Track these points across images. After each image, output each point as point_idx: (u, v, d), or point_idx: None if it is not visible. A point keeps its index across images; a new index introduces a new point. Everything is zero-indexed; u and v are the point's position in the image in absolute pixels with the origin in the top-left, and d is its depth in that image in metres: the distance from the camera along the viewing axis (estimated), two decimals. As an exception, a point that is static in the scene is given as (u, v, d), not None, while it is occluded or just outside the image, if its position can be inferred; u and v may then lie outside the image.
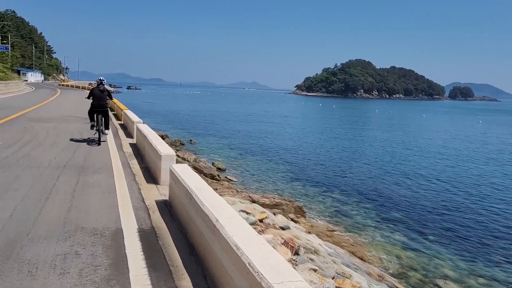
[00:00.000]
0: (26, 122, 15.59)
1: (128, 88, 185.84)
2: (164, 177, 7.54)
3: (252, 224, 7.71)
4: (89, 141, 12.38)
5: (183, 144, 27.43)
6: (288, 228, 8.93)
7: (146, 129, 10.69)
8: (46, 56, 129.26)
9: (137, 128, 12.08)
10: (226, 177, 17.96)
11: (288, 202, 12.25)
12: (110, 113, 32.54)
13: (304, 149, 28.85)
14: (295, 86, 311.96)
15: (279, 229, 8.35)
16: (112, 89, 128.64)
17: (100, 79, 12.85)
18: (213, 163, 20.09)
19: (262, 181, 18.17)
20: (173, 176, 6.21)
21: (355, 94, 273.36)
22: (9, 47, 50.58)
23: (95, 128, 12.44)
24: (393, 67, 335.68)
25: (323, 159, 24.83)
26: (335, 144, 32.26)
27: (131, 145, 12.46)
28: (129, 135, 14.44)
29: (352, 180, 19.47)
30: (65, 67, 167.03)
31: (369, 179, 19.98)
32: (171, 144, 26.83)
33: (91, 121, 12.55)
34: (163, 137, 28.13)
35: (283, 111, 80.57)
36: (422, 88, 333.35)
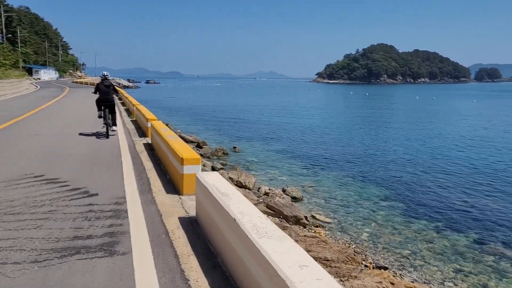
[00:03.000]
0: None
1: (147, 82, 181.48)
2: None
3: None
4: (98, 135, 13.34)
5: (227, 154, 21.30)
6: None
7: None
8: (62, 53, 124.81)
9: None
10: (313, 216, 11.68)
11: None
12: (120, 107, 25.92)
13: (384, 156, 22.33)
14: (316, 74, 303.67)
15: None
16: (130, 84, 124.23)
17: (104, 74, 13.47)
18: (284, 190, 13.87)
19: (369, 220, 11.79)
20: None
21: (378, 80, 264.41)
22: (3, 38, 44.91)
23: (103, 122, 13.30)
24: (416, 50, 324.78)
25: (428, 175, 18.37)
26: (421, 150, 25.44)
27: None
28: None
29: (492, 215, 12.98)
30: (82, 63, 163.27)
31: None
32: (212, 154, 20.84)
33: (98, 111, 13.33)
34: (200, 145, 22.21)
35: (315, 102, 73.78)
36: (448, 71, 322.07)
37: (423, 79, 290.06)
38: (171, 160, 8.27)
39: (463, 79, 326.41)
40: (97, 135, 13.68)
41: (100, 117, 13.31)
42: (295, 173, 17.59)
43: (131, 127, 16.82)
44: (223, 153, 21.32)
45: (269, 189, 13.43)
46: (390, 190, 15.24)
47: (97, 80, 75.15)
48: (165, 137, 9.17)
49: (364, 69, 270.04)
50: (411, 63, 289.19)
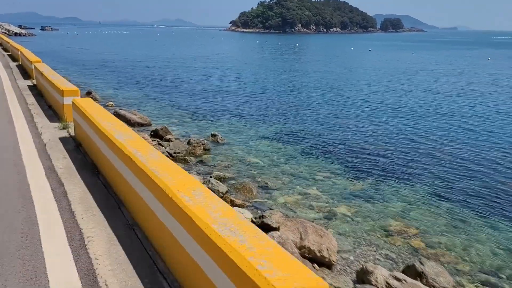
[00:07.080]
0: None
1: (42, 29, 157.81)
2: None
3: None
4: None
5: (208, 150, 13.96)
6: None
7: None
8: None
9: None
10: None
11: None
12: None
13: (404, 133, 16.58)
14: (230, 22, 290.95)
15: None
16: (22, 31, 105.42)
17: None
18: (398, 280, 7.21)
19: None
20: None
21: (292, 29, 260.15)
22: None
23: None
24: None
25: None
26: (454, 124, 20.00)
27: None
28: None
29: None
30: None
31: None
32: (188, 153, 13.44)
33: None
34: (159, 134, 14.91)
35: (253, 55, 66.21)
36: (357, 21, 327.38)
37: (335, 29, 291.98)
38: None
39: (371, 29, 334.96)
40: None
41: None
42: (340, 191, 10.98)
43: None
44: (204, 148, 13.95)
45: (395, 278, 6.79)
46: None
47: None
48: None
49: (279, 17, 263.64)
50: (324, 13, 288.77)
